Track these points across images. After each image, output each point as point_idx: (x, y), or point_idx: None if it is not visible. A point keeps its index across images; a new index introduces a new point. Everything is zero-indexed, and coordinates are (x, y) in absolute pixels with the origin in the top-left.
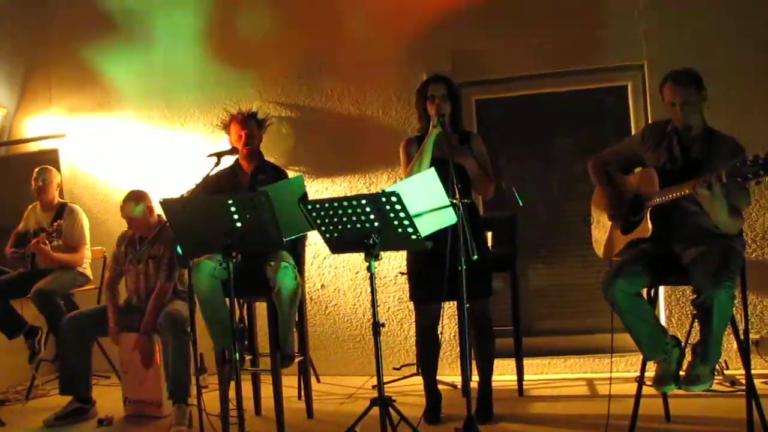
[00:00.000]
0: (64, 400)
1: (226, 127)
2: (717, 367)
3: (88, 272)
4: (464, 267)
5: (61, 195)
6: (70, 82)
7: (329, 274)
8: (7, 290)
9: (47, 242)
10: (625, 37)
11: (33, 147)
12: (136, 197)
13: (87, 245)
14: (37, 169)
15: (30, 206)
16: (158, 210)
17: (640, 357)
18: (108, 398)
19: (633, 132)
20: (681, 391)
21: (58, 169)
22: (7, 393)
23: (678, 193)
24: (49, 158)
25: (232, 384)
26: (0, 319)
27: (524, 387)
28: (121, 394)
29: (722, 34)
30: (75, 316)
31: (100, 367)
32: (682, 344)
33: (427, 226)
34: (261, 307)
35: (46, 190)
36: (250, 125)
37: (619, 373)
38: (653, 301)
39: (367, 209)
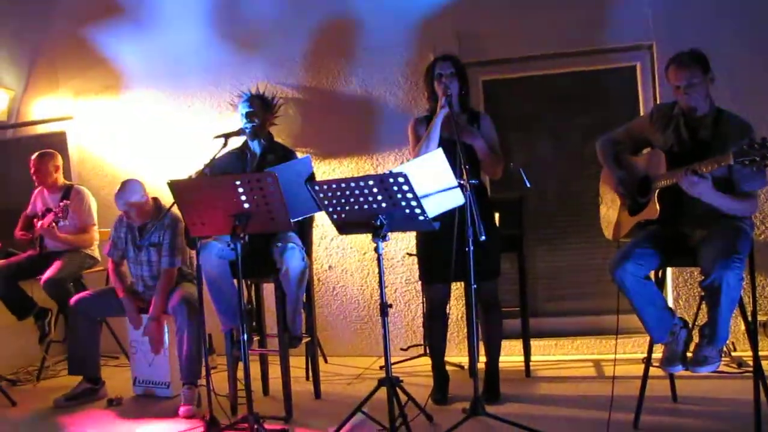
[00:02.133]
0: (74, 380)
1: (235, 108)
2: (724, 348)
3: (97, 254)
4: (472, 248)
5: (68, 177)
6: (77, 65)
7: (337, 255)
8: (17, 272)
9: (54, 223)
10: (633, 17)
11: (40, 129)
12: (130, 188)
13: (95, 226)
14: (32, 160)
15: (37, 189)
16: (153, 195)
17: (647, 338)
18: (117, 379)
19: (641, 113)
20: (688, 373)
21: (66, 152)
22: (18, 374)
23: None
24: (57, 141)
25: (240, 364)
26: (10, 301)
27: (531, 368)
28: (130, 374)
29: (730, 14)
30: (84, 297)
31: (109, 348)
32: (690, 326)
33: (434, 207)
34: (269, 288)
35: (43, 175)
36: (253, 104)
37: (625, 354)
38: (661, 283)
39: (375, 190)
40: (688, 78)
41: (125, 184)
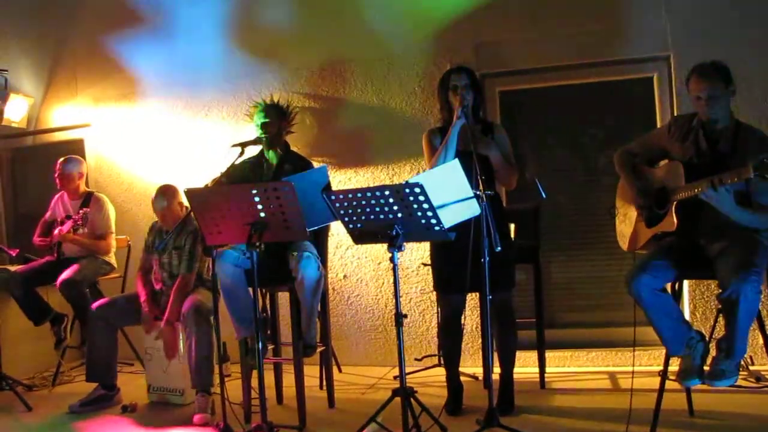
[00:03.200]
0: (89, 386)
1: (251, 117)
2: (742, 362)
3: (113, 261)
4: (487, 258)
5: (86, 184)
6: (96, 73)
7: (352, 264)
8: (34, 278)
9: (73, 230)
10: (651, 28)
11: (59, 136)
12: (168, 193)
13: (113, 234)
14: (59, 162)
15: (57, 195)
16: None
17: (663, 351)
18: (132, 385)
19: (659, 124)
20: (705, 387)
21: (84, 159)
22: (34, 379)
23: (701, 189)
24: (75, 148)
25: (255, 373)
26: (27, 307)
27: (546, 379)
28: (144, 381)
29: (748, 25)
30: (102, 304)
31: (124, 354)
32: (707, 339)
33: (450, 218)
34: (284, 297)
35: (66, 180)
36: (269, 113)
37: (641, 366)
38: (677, 296)
39: (391, 200)
40: (709, 89)
41: (164, 188)
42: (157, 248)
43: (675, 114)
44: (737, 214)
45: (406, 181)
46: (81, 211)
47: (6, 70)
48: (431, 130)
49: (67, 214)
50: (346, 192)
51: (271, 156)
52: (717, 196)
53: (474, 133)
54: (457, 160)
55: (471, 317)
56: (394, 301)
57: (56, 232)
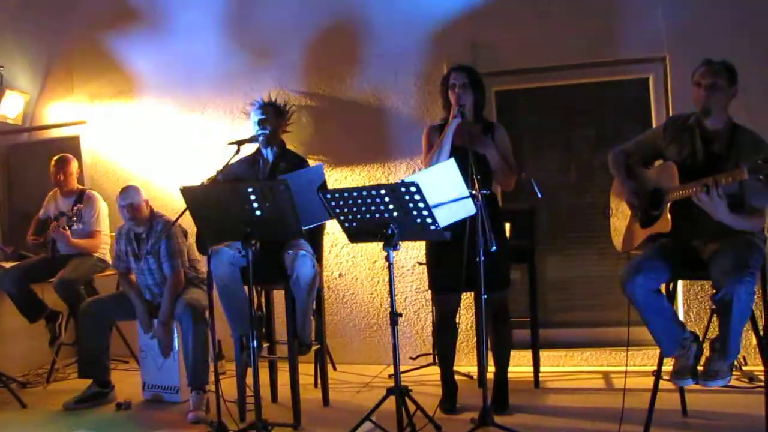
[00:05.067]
0: (83, 383)
1: (247, 115)
2: (735, 362)
3: (108, 258)
4: (482, 258)
5: (81, 181)
6: (92, 70)
7: (347, 263)
8: (29, 274)
9: (66, 227)
10: (647, 29)
11: (55, 133)
12: (131, 191)
13: (106, 232)
14: (53, 162)
15: (50, 192)
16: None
17: (657, 350)
18: (126, 383)
19: (654, 125)
20: (699, 387)
21: (79, 156)
22: (28, 376)
23: (694, 192)
24: (71, 145)
25: (249, 371)
26: (22, 304)
27: (540, 379)
28: (139, 378)
29: (746, 27)
30: (94, 300)
31: (118, 352)
32: (701, 339)
33: (446, 217)
34: (279, 295)
35: (65, 181)
36: (266, 111)
37: (635, 366)
38: (672, 296)
39: (386, 199)
40: (711, 78)
41: (126, 189)
42: (135, 252)
43: (671, 115)
44: (730, 220)
45: (402, 180)
46: (75, 207)
47: (2, 66)
48: (431, 127)
49: (60, 211)
50: (341, 190)
51: (267, 154)
52: (710, 201)
53: (471, 131)
54: (453, 159)
55: (466, 316)
56: (389, 299)
57: (52, 228)
